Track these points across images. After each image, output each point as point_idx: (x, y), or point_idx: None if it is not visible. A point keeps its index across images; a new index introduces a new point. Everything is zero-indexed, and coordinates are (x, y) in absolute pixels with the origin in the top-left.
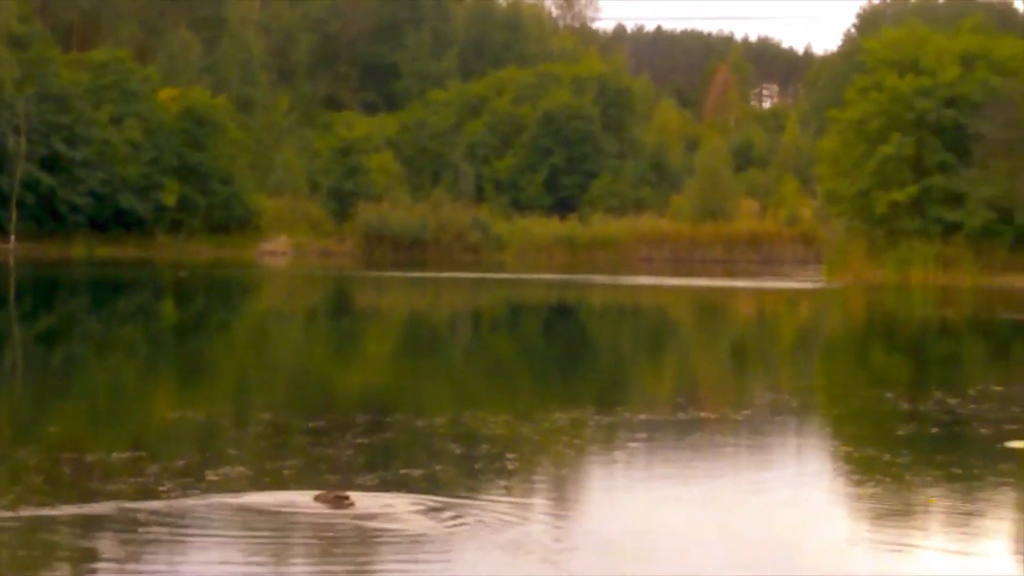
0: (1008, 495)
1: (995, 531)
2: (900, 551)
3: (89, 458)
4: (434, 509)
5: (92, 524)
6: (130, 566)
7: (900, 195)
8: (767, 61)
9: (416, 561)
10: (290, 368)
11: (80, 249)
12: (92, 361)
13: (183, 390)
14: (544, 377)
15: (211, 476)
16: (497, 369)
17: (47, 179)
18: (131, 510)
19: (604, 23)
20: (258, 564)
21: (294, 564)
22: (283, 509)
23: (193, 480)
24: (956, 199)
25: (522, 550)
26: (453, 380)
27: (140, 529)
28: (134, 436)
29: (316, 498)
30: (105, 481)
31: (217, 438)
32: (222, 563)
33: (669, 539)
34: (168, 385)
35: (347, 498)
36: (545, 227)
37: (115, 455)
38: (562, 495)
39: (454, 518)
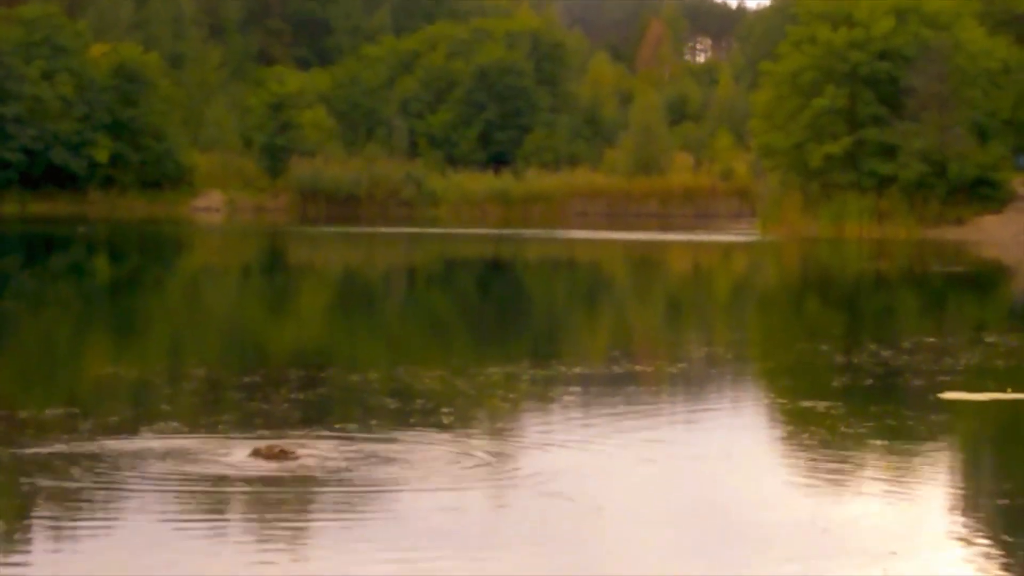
0: (941, 445)
1: (926, 478)
2: (834, 497)
3: (22, 415)
4: (371, 457)
5: (26, 473)
6: (65, 520)
7: (834, 148)
8: (700, 15)
9: (359, 511)
10: (224, 324)
11: (12, 206)
12: (24, 318)
13: (116, 347)
14: (479, 332)
15: (145, 431)
16: (432, 324)
17: None
18: (66, 459)
19: None
20: (195, 519)
21: (231, 520)
22: (219, 461)
23: (127, 435)
24: (890, 152)
25: (462, 492)
26: (388, 335)
27: (74, 482)
28: (67, 392)
29: (253, 453)
30: (38, 437)
31: (151, 394)
32: (161, 518)
33: (603, 491)
34: (101, 342)
35: (291, 452)
36: (479, 182)
37: (48, 411)
38: (497, 448)
39: (392, 464)
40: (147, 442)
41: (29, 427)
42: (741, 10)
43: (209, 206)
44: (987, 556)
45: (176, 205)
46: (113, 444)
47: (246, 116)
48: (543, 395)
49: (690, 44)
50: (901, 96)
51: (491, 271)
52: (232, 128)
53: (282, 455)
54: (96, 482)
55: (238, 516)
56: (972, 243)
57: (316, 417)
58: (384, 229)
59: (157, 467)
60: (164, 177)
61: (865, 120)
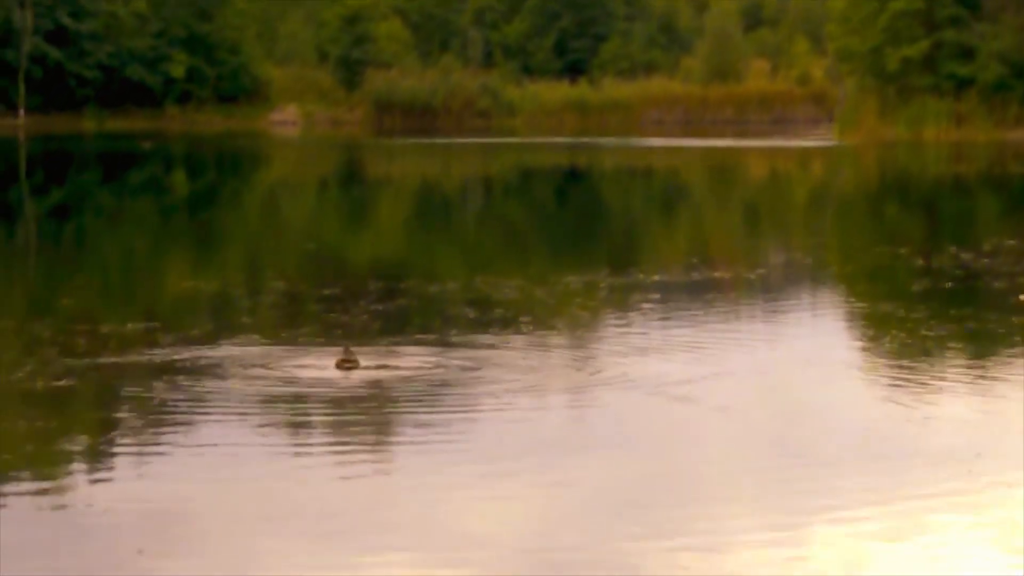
0: (1023, 347)
1: (1009, 381)
2: (918, 400)
3: (104, 330)
4: (452, 366)
5: (108, 385)
6: (148, 431)
7: (911, 51)
8: None
9: (445, 421)
10: (302, 237)
11: (90, 123)
12: (104, 234)
13: (195, 261)
14: (557, 242)
15: (225, 344)
16: (509, 234)
17: (55, 52)
18: (147, 371)
19: None
20: (276, 429)
21: (313, 430)
22: (299, 371)
23: (208, 347)
24: (968, 54)
25: (541, 396)
26: (465, 246)
27: (155, 394)
28: (148, 308)
29: (337, 364)
30: (120, 352)
31: (231, 307)
32: (243, 428)
33: (685, 401)
34: (180, 257)
35: (351, 360)
36: (555, 92)
37: (129, 326)
38: (577, 354)
39: (471, 370)
40: (228, 353)
41: (111, 341)
42: None
43: (285, 120)
44: None
45: (253, 119)
46: (194, 356)
47: (321, 29)
48: (622, 303)
49: None
50: None
51: (568, 180)
52: (307, 41)
53: (354, 364)
54: (177, 393)
55: (319, 426)
56: None
57: (396, 328)
58: (460, 140)
59: (238, 378)
60: (240, 91)
61: (943, 22)
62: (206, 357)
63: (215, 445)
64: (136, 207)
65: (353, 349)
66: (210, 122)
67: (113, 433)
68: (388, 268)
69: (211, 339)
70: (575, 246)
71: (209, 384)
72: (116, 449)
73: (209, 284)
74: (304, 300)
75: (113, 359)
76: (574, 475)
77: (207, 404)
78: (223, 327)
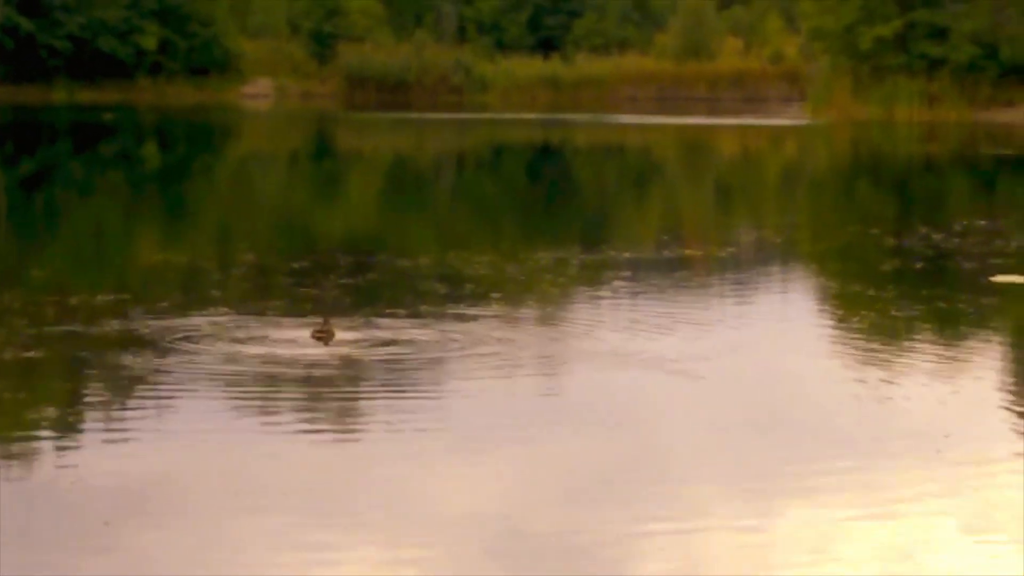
0: (992, 328)
1: (978, 362)
2: (887, 380)
3: (73, 301)
4: (423, 339)
5: (77, 357)
6: (116, 402)
7: (885, 30)
8: None
9: (410, 394)
10: (273, 210)
11: (60, 94)
12: (74, 205)
13: (166, 233)
14: (529, 217)
15: (195, 316)
16: (481, 210)
17: (26, 23)
18: (116, 342)
19: None
20: (245, 400)
21: (282, 402)
22: (268, 344)
23: (177, 319)
24: (941, 34)
25: (511, 371)
26: (437, 221)
27: (124, 365)
28: (117, 279)
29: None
30: (89, 323)
31: (201, 280)
32: (211, 399)
33: (657, 378)
34: (151, 229)
35: (325, 331)
36: (528, 68)
37: (99, 298)
38: (544, 331)
39: (442, 344)
40: (198, 325)
41: (80, 312)
42: None
43: (257, 93)
44: None
45: (224, 92)
46: (164, 328)
47: (294, 2)
48: (592, 280)
49: None
50: None
51: (541, 156)
52: (280, 14)
53: (330, 334)
54: (147, 365)
55: (291, 399)
56: (1023, 125)
57: (367, 302)
58: (433, 115)
59: (209, 350)
60: (212, 64)
61: (916, 2)
62: (176, 329)
63: (185, 417)
64: (107, 179)
65: (332, 320)
66: (181, 94)
67: (81, 405)
68: (359, 242)
69: (181, 311)
70: (547, 222)
71: (179, 356)
72: (84, 421)
73: (179, 256)
74: (275, 273)
75: (82, 330)
76: (549, 451)
77: (177, 376)
78: (193, 299)
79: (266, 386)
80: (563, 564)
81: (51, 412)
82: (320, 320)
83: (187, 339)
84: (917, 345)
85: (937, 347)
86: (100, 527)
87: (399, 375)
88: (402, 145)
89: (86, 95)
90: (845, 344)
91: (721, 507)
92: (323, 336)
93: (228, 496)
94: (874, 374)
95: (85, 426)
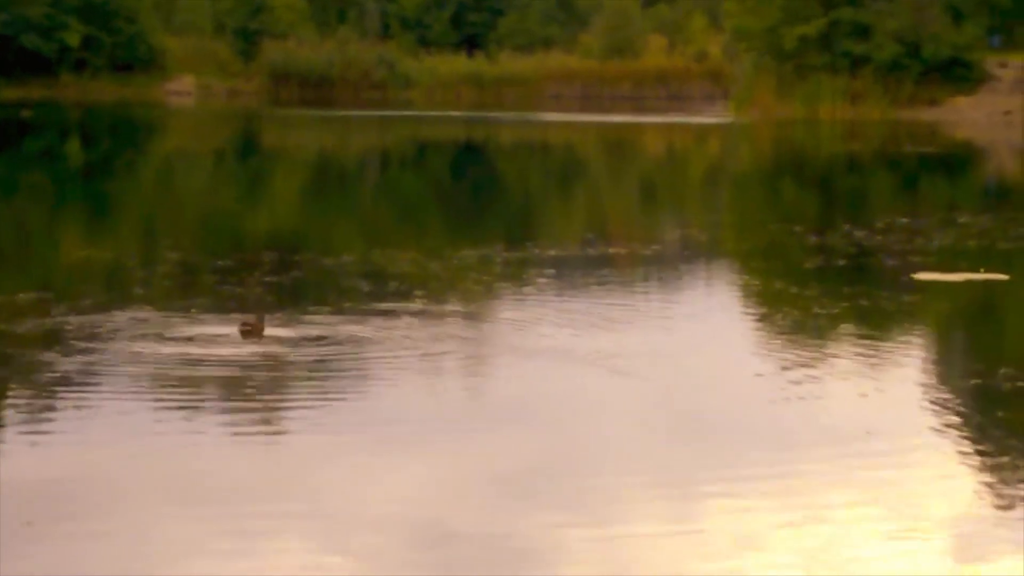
0: (914, 325)
1: (899, 359)
2: (809, 378)
3: None
4: (347, 336)
5: None
6: (39, 401)
7: (808, 29)
8: None
9: (334, 389)
10: (197, 208)
11: None
12: None
13: (89, 231)
14: (453, 215)
15: (119, 314)
16: (405, 208)
17: None
18: (39, 341)
19: None
20: (169, 398)
21: (206, 399)
22: (192, 341)
23: (100, 317)
24: (864, 32)
25: (436, 369)
26: (361, 219)
27: (47, 363)
28: (40, 277)
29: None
30: (11, 322)
31: (124, 277)
32: (137, 398)
33: (579, 375)
34: (74, 226)
35: (250, 325)
36: (452, 65)
37: (21, 296)
38: (469, 329)
39: (366, 342)
40: (122, 322)
41: (2, 310)
42: None
43: (181, 90)
44: (960, 434)
45: (148, 89)
46: (87, 325)
47: (218, 0)
48: (516, 277)
49: None
50: None
51: (465, 154)
52: (204, 11)
53: (258, 331)
54: (70, 363)
55: (215, 396)
56: (945, 124)
57: (289, 301)
58: (357, 112)
59: (133, 347)
60: (136, 60)
61: (839, 1)
62: (100, 326)
63: (109, 415)
64: (29, 176)
65: (261, 317)
66: (105, 91)
67: (3, 403)
68: (283, 240)
69: (105, 308)
70: (471, 220)
71: (103, 354)
72: (7, 420)
73: (103, 253)
74: (199, 271)
75: (4, 328)
76: (475, 450)
77: (101, 375)
78: (117, 297)
79: (190, 384)
80: (487, 563)
81: None
82: (251, 316)
83: (111, 337)
84: (840, 343)
85: (859, 345)
86: (22, 528)
87: (324, 373)
88: (326, 142)
89: (10, 92)
90: (768, 342)
91: (645, 507)
92: (250, 331)
93: (152, 496)
94: (797, 372)
95: (6, 426)
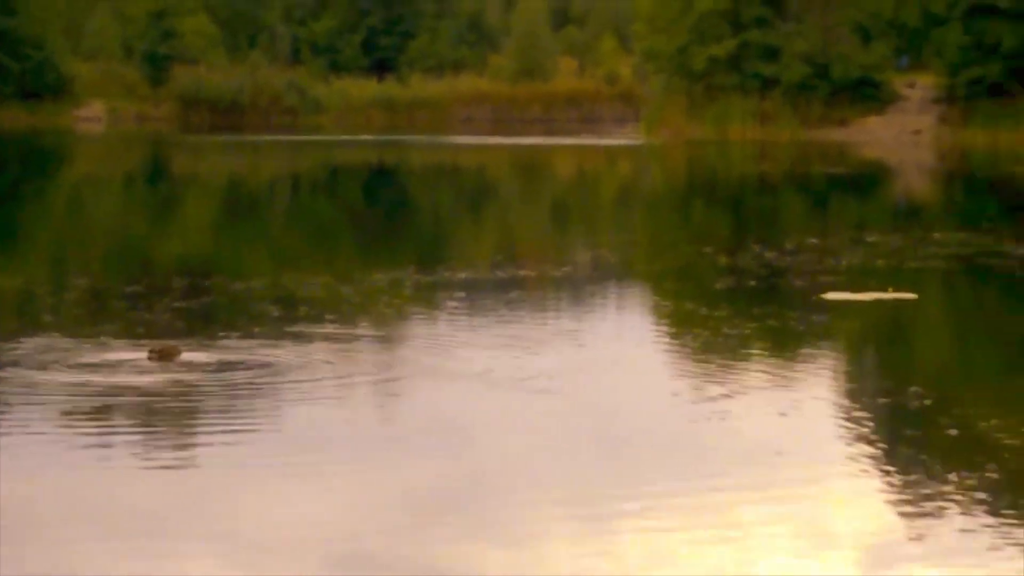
0: (823, 345)
1: (809, 379)
2: (718, 399)
3: None
4: (255, 364)
5: None
6: None
7: (718, 50)
8: None
9: (246, 417)
10: (106, 234)
11: None
12: None
13: None
14: (364, 239)
15: (27, 341)
16: (316, 232)
17: None
18: None
19: None
20: (80, 426)
21: (117, 428)
22: (101, 368)
23: (9, 344)
24: (773, 54)
25: (348, 393)
26: (272, 243)
27: None
28: None
29: (149, 355)
30: None
31: (32, 304)
32: (45, 426)
33: (490, 397)
34: None
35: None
36: (363, 89)
37: None
38: (379, 353)
39: (276, 367)
40: (30, 349)
41: None
42: None
43: (91, 116)
44: (870, 453)
45: (57, 115)
46: None
47: (128, 25)
48: (428, 300)
49: None
50: None
51: (376, 178)
52: (114, 37)
53: (171, 354)
54: None
55: (125, 422)
56: (855, 144)
57: (200, 326)
58: (268, 137)
59: (41, 374)
60: (45, 87)
61: (748, 22)
62: (7, 353)
63: (16, 442)
64: None
65: (173, 343)
66: (14, 118)
67: None
68: (193, 265)
69: (12, 336)
70: (382, 244)
71: (10, 381)
72: None
73: (10, 280)
74: (108, 297)
75: None
76: (388, 475)
77: (8, 401)
78: (25, 324)
79: (100, 412)
80: None
81: None
82: (159, 343)
83: (18, 364)
84: (750, 363)
85: (769, 364)
86: None
87: (234, 399)
88: (237, 167)
89: None
90: (680, 363)
91: (559, 526)
92: (160, 357)
93: (61, 526)
94: (707, 392)
95: None
